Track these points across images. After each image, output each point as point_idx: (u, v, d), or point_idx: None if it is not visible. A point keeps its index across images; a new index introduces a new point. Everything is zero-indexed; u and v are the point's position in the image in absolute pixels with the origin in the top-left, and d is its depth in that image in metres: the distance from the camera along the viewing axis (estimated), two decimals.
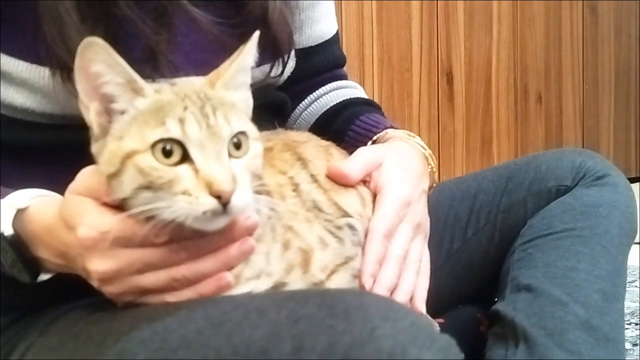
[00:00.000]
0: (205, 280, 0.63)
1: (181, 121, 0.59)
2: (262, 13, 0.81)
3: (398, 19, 2.40)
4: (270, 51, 0.75)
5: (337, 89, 1.04)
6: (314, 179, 0.75)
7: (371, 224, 0.77)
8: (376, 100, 2.34)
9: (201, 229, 0.60)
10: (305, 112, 1.03)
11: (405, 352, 0.51)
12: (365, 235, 0.76)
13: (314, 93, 1.03)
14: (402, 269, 0.77)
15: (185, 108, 0.60)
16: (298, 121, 1.05)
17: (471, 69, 2.59)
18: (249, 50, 0.65)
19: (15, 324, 0.76)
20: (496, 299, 0.91)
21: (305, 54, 0.98)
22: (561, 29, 2.83)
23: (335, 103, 1.01)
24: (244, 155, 0.61)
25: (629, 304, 1.62)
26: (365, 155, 0.82)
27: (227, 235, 0.62)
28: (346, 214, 0.75)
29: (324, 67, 1.03)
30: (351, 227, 0.74)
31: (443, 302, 0.94)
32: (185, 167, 0.59)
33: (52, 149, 0.76)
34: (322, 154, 0.80)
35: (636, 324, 1.50)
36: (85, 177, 0.63)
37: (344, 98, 1.02)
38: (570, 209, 0.89)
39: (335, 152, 0.83)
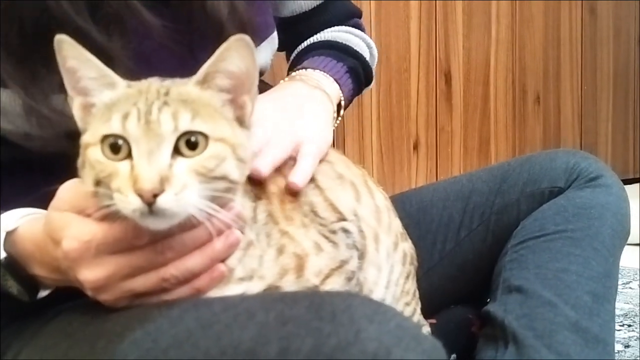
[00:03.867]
0: (200, 277, 0.63)
1: (125, 117, 0.58)
2: (210, 17, 0.77)
3: (396, 19, 2.40)
4: None
5: (335, 31, 1.02)
6: (311, 178, 0.75)
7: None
8: (374, 100, 2.36)
9: (148, 228, 0.59)
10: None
11: (390, 354, 0.51)
12: (360, 231, 0.77)
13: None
14: None
15: (135, 103, 0.59)
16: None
17: (469, 69, 2.59)
18: (224, 54, 0.61)
19: (9, 324, 0.76)
20: (488, 300, 0.92)
21: (297, 20, 0.96)
22: (560, 30, 2.83)
23: (300, 50, 1.00)
24: (197, 155, 0.59)
25: (622, 306, 1.62)
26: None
27: (209, 229, 0.61)
28: (341, 217, 0.75)
29: (324, 24, 1.01)
30: (346, 231, 0.74)
31: (435, 302, 0.95)
32: (125, 163, 0.58)
33: (32, 163, 0.76)
34: None
35: (629, 326, 1.50)
36: (65, 192, 0.63)
37: (309, 43, 1.01)
38: (562, 210, 0.89)
39: (331, 151, 0.83)
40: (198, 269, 0.63)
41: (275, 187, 0.72)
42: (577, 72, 2.90)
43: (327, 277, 0.71)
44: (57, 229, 0.62)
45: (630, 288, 1.81)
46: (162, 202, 0.56)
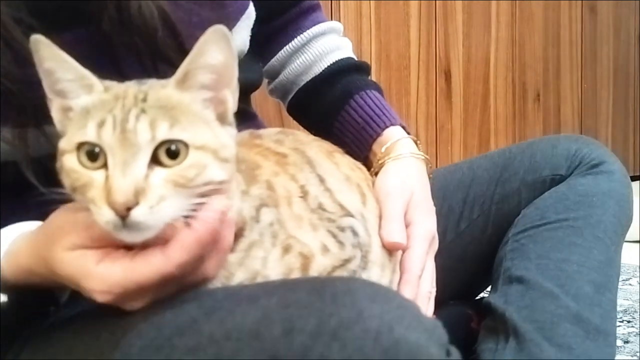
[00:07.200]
0: (222, 239, 0.61)
1: (100, 124, 0.56)
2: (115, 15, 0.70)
3: (396, 17, 2.40)
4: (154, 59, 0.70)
5: (316, 36, 1.00)
6: (320, 179, 0.75)
7: (407, 264, 0.79)
8: None
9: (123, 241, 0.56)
10: (287, 70, 1.00)
11: (392, 332, 0.51)
12: (370, 238, 0.77)
13: (290, 44, 0.99)
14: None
15: (111, 110, 0.57)
16: (279, 79, 1.02)
17: (469, 67, 2.59)
18: (202, 47, 0.59)
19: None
20: (488, 290, 0.91)
21: None
22: (560, 28, 2.83)
23: (322, 69, 0.99)
24: (176, 165, 0.56)
25: (622, 302, 1.61)
26: (398, 202, 0.82)
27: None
28: (348, 213, 0.75)
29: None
30: (354, 231, 0.74)
31: (435, 295, 0.94)
32: (100, 173, 0.56)
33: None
34: (324, 153, 0.80)
35: (628, 322, 1.50)
36: (79, 231, 0.59)
37: (332, 61, 0.99)
38: (564, 198, 0.88)
39: (339, 155, 0.83)
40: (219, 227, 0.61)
41: (284, 190, 0.71)
42: (577, 70, 2.90)
43: (328, 274, 0.70)
44: (75, 278, 0.59)
45: (630, 285, 1.81)
46: (135, 215, 0.54)
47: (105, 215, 0.55)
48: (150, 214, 0.55)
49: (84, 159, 0.57)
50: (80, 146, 0.57)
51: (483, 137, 2.64)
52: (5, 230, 0.67)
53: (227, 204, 0.59)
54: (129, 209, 0.54)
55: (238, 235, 0.65)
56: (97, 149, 0.57)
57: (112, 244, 0.58)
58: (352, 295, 0.54)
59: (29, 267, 0.63)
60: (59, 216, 0.62)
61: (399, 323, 0.52)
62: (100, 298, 0.58)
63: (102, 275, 0.58)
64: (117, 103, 0.58)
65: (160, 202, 0.55)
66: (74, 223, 0.60)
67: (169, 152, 0.57)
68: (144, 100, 0.58)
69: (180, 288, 0.62)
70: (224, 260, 0.63)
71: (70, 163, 0.58)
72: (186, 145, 0.57)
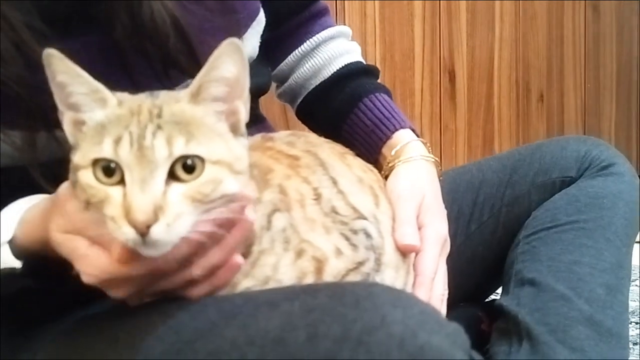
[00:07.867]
0: (218, 273, 0.62)
1: (117, 141, 0.57)
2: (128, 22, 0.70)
3: (400, 17, 2.40)
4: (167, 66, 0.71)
5: (325, 40, 1.01)
6: (333, 181, 0.75)
7: (420, 267, 0.80)
8: None
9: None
10: (296, 74, 1.01)
11: (416, 337, 0.51)
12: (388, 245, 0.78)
13: (299, 48, 0.99)
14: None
15: (127, 126, 0.57)
16: (288, 83, 1.02)
17: (473, 67, 2.58)
18: (217, 61, 0.59)
19: (24, 329, 0.76)
20: (498, 292, 0.91)
21: None
22: (563, 28, 2.82)
23: (332, 73, 0.99)
24: (193, 180, 0.57)
25: (629, 303, 1.61)
26: (410, 204, 0.82)
27: (225, 224, 0.60)
28: (361, 216, 0.75)
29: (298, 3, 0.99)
30: (367, 233, 0.74)
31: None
32: (118, 189, 0.57)
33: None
34: (336, 155, 0.81)
35: (636, 323, 1.50)
36: (69, 215, 0.61)
37: (341, 65, 1.00)
38: (574, 200, 0.89)
39: (350, 157, 0.83)
40: (220, 263, 0.62)
41: (297, 193, 0.71)
42: (581, 70, 2.89)
43: (343, 277, 0.71)
44: (68, 258, 0.61)
45: (636, 286, 1.80)
46: (155, 233, 0.55)
47: (126, 234, 0.55)
48: (167, 232, 0.55)
49: (100, 174, 0.57)
50: (96, 162, 0.57)
51: (487, 137, 2.64)
52: (22, 200, 0.68)
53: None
54: (148, 226, 0.55)
55: (246, 253, 0.65)
56: (113, 165, 0.57)
57: (94, 236, 0.59)
58: (373, 300, 0.55)
59: (41, 236, 0.64)
60: (63, 189, 0.63)
61: (422, 328, 0.52)
62: (86, 279, 0.60)
63: (92, 260, 0.59)
64: (132, 119, 0.58)
65: (176, 219, 0.56)
66: (63, 208, 0.61)
67: (185, 166, 0.57)
68: (159, 115, 0.58)
69: (164, 288, 0.62)
70: (228, 259, 0.63)
71: (86, 179, 0.58)
72: (202, 160, 0.57)
